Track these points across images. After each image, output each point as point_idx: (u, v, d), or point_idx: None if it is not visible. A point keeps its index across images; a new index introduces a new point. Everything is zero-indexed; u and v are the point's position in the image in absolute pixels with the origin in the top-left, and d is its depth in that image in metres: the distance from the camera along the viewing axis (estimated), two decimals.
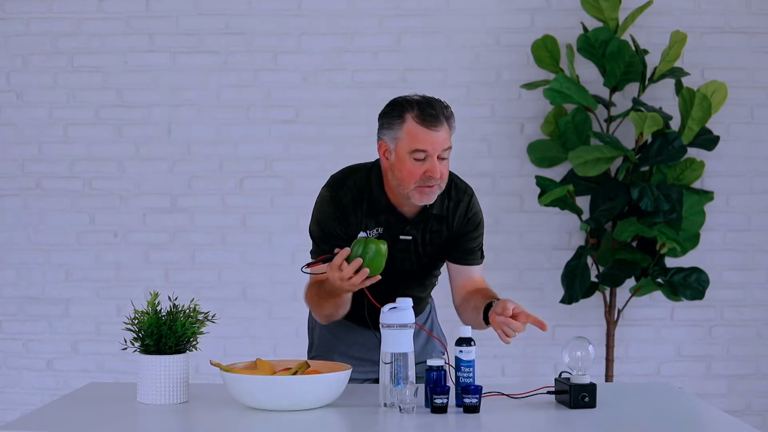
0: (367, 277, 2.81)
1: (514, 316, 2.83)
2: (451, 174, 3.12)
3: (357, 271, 2.79)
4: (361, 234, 3.03)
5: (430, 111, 2.93)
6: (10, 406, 4.92)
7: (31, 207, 4.94)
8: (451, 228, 3.11)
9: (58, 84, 4.93)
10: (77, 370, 4.92)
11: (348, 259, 2.80)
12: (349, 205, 3.04)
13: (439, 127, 2.93)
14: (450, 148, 2.96)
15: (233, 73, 4.91)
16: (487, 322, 2.94)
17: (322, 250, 3.04)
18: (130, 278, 4.91)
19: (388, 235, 3.05)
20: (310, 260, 3.02)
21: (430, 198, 2.98)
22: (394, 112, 2.97)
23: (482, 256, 3.19)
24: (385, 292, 2.95)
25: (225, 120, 4.92)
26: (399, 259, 3.06)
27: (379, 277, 2.83)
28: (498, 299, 2.95)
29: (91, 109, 4.93)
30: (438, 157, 2.94)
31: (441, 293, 3.34)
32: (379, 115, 3.03)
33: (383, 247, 2.82)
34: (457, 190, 3.11)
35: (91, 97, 4.93)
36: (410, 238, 3.06)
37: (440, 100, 2.99)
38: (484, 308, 2.96)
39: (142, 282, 4.87)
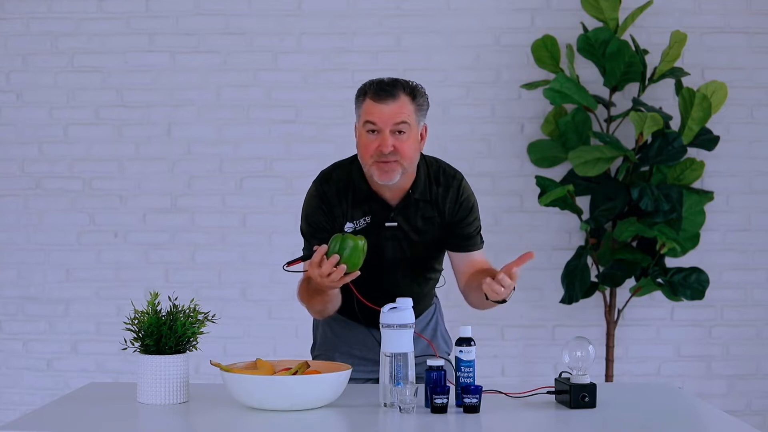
0: (346, 273, 2.82)
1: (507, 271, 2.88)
2: (438, 160, 3.14)
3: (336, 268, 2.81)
4: (348, 225, 3.04)
5: (385, 87, 2.98)
6: (10, 406, 4.92)
7: (31, 207, 4.94)
8: (443, 215, 3.10)
9: (58, 84, 4.93)
10: (77, 370, 4.92)
11: (327, 255, 2.81)
12: (334, 197, 3.06)
13: (390, 101, 2.96)
14: (405, 122, 2.96)
15: (233, 73, 4.91)
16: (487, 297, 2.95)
17: (311, 245, 3.04)
18: (130, 278, 4.91)
19: (375, 223, 3.05)
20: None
21: (390, 176, 2.97)
22: (359, 93, 3.04)
23: (482, 241, 3.18)
24: (379, 284, 2.98)
25: (225, 120, 4.92)
26: (389, 247, 3.07)
27: (358, 272, 2.85)
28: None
29: (91, 109, 4.93)
30: (393, 132, 2.95)
31: (444, 293, 3.34)
32: None
33: (360, 242, 2.83)
34: (446, 176, 3.12)
35: (91, 97, 4.93)
36: (396, 224, 3.07)
37: (404, 80, 3.02)
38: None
39: (142, 282, 4.87)
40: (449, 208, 3.10)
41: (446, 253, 3.20)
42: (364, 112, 3.00)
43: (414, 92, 3.00)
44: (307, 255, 2.90)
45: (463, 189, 3.13)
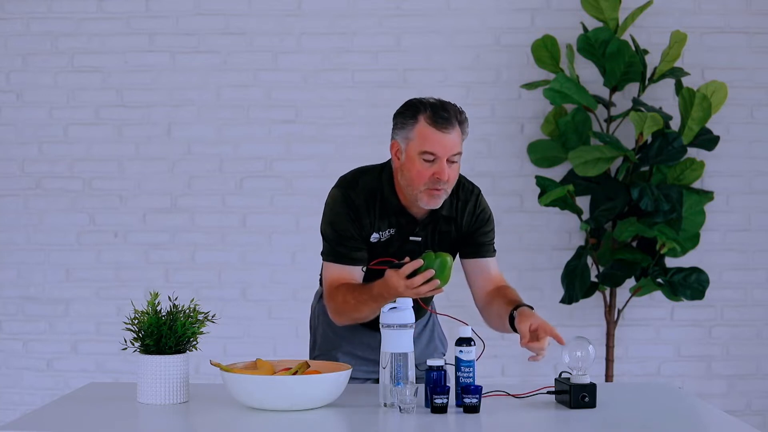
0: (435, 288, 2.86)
1: (532, 332, 2.87)
2: (458, 175, 3.13)
3: (426, 282, 2.83)
4: (374, 236, 3.05)
5: (443, 113, 2.95)
6: (10, 406, 4.92)
7: (31, 207, 4.94)
8: (460, 228, 3.12)
9: (58, 84, 4.93)
10: (77, 370, 4.92)
11: (420, 270, 2.84)
12: (362, 206, 3.05)
13: (451, 130, 2.95)
14: (460, 153, 2.98)
15: (233, 73, 4.91)
16: (516, 330, 2.97)
17: (337, 252, 3.05)
18: (130, 278, 4.91)
19: (399, 236, 3.06)
20: (333, 258, 3.05)
21: (437, 201, 2.99)
22: (408, 112, 2.99)
23: (494, 250, 3.21)
24: None
25: (225, 120, 4.92)
26: (410, 259, 3.07)
27: (443, 289, 2.88)
28: (518, 304, 2.99)
29: (91, 109, 4.93)
30: (447, 161, 2.96)
31: (446, 293, 3.34)
32: (394, 114, 3.04)
33: (449, 260, 2.86)
34: (465, 191, 3.14)
35: (91, 97, 4.93)
36: (420, 239, 3.08)
37: (455, 105, 3.00)
38: (509, 319, 2.99)
39: (142, 282, 4.87)
40: (467, 221, 3.13)
41: (462, 265, 3.20)
42: (420, 137, 2.95)
43: (462, 119, 2.99)
44: (396, 264, 2.87)
45: (480, 202, 3.16)
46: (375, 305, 2.96)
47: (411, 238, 3.08)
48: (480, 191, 3.17)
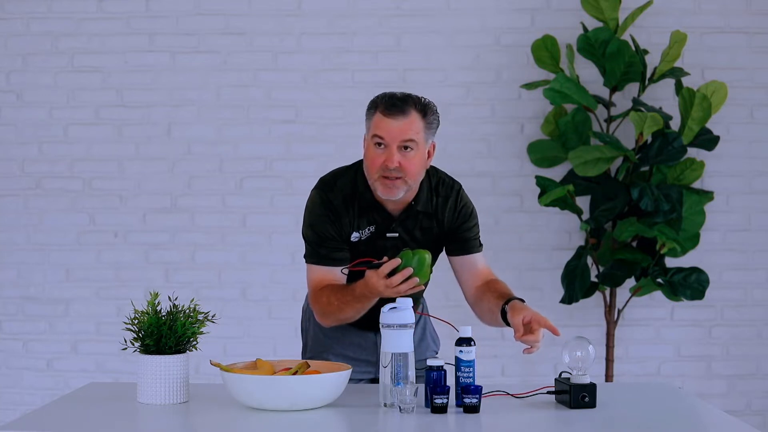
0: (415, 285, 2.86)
1: (525, 325, 2.87)
2: (438, 171, 3.16)
3: (405, 280, 2.83)
4: (355, 235, 3.05)
5: (396, 102, 3.00)
6: (10, 406, 4.92)
7: (31, 207, 4.94)
8: (442, 224, 3.12)
9: (58, 84, 4.93)
10: (77, 370, 4.92)
11: (398, 269, 2.84)
12: (341, 206, 3.06)
13: (400, 117, 2.97)
14: (412, 140, 2.97)
15: (233, 73, 4.91)
16: (508, 324, 2.96)
17: (318, 254, 3.06)
18: (130, 278, 4.91)
19: (377, 232, 3.06)
20: (308, 261, 3.03)
21: (393, 192, 2.99)
22: (370, 105, 3.06)
23: (480, 245, 3.21)
24: None
25: (225, 120, 4.92)
26: (389, 256, 3.07)
27: (423, 287, 2.88)
28: (509, 297, 2.98)
29: (91, 109, 4.93)
30: (400, 148, 2.96)
31: (444, 293, 3.34)
32: None
33: (427, 256, 2.86)
34: (445, 186, 3.14)
35: (91, 97, 4.93)
36: (397, 235, 3.08)
37: (416, 96, 3.03)
38: (501, 313, 2.98)
39: (142, 282, 4.87)
40: (448, 217, 3.13)
41: (449, 262, 3.21)
42: (373, 125, 3.01)
43: (425, 109, 3.01)
44: (375, 264, 2.88)
45: (461, 198, 3.16)
46: (359, 306, 2.97)
47: (388, 234, 3.08)
48: (461, 186, 3.17)
